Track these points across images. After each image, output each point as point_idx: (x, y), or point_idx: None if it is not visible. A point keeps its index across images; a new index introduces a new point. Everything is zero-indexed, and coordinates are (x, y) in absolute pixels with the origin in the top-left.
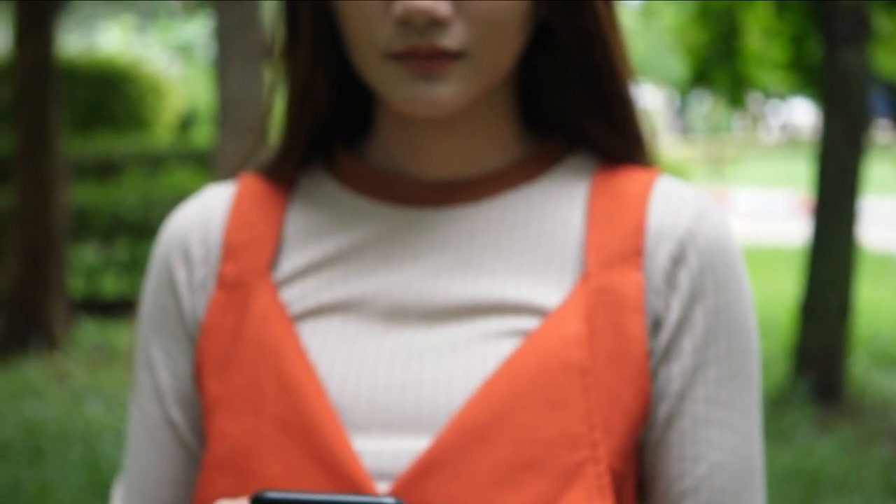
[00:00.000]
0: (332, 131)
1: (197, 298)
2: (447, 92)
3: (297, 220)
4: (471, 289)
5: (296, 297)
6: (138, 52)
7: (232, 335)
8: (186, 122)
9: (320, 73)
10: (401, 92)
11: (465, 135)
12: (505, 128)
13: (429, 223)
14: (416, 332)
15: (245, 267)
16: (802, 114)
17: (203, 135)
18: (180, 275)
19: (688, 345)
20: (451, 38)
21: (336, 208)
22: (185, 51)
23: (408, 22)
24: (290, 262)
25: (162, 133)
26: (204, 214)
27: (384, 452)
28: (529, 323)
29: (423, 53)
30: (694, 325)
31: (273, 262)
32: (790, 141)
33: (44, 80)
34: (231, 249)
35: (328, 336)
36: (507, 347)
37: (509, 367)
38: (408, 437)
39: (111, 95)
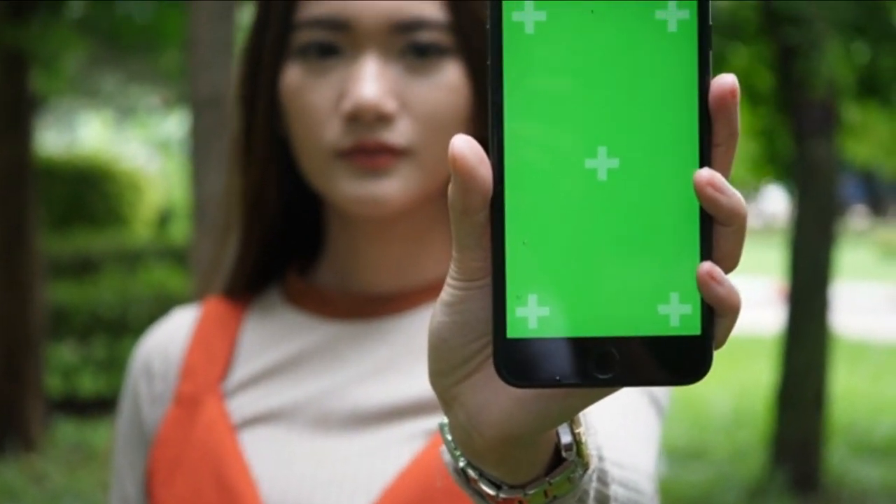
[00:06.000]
0: (287, 258)
1: (155, 410)
2: (392, 188)
3: (248, 336)
4: (390, 392)
5: (239, 406)
6: (117, 146)
7: (181, 445)
8: (164, 219)
9: (272, 187)
10: (348, 189)
11: (405, 248)
12: (443, 239)
13: (359, 334)
14: (340, 437)
15: (199, 384)
16: (776, 201)
17: (181, 231)
18: (142, 389)
19: None
20: (397, 135)
21: (281, 324)
22: (163, 146)
23: (356, 118)
24: (238, 374)
25: (140, 229)
26: (167, 335)
27: None
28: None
29: (369, 148)
30: None
31: (224, 375)
32: (765, 228)
33: (22, 179)
34: (189, 369)
35: (264, 442)
36: (419, 447)
37: (416, 466)
38: None
39: (89, 193)
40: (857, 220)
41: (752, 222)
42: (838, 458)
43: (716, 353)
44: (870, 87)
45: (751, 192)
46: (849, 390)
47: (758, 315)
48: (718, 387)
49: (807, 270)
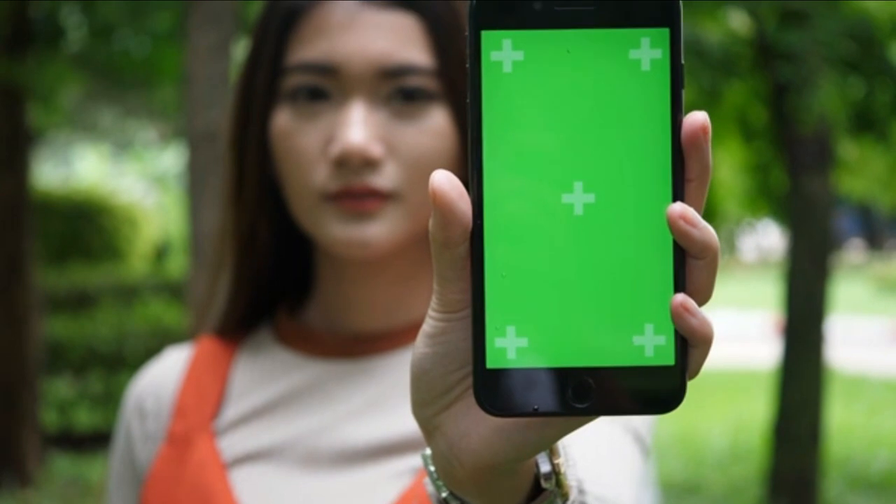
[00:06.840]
0: (278, 298)
1: (147, 449)
2: (378, 231)
3: (239, 376)
4: (378, 430)
5: (230, 444)
6: (114, 180)
7: (173, 483)
8: (161, 253)
9: (263, 229)
10: (335, 232)
11: (392, 289)
12: (429, 280)
13: (348, 373)
14: (329, 475)
15: (191, 423)
16: (773, 236)
17: (177, 265)
18: (135, 428)
19: None
20: (384, 179)
21: (272, 364)
22: (160, 180)
23: (343, 162)
24: (229, 413)
25: (137, 264)
26: (160, 374)
27: None
28: None
29: (356, 192)
30: None
31: (215, 414)
32: (762, 262)
33: (19, 213)
34: (181, 409)
35: (254, 480)
36: (407, 484)
37: (403, 503)
38: None
39: (86, 227)
40: (853, 253)
41: (748, 256)
42: (835, 492)
43: (712, 388)
44: (865, 123)
45: (744, 226)
46: (845, 424)
47: (754, 349)
48: (714, 421)
49: (802, 305)
